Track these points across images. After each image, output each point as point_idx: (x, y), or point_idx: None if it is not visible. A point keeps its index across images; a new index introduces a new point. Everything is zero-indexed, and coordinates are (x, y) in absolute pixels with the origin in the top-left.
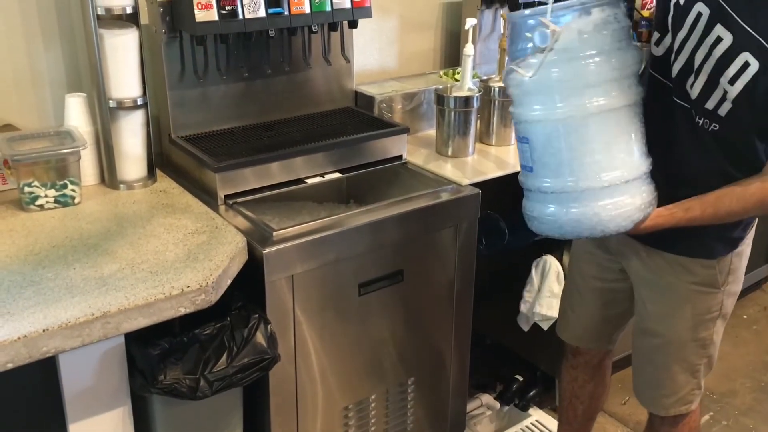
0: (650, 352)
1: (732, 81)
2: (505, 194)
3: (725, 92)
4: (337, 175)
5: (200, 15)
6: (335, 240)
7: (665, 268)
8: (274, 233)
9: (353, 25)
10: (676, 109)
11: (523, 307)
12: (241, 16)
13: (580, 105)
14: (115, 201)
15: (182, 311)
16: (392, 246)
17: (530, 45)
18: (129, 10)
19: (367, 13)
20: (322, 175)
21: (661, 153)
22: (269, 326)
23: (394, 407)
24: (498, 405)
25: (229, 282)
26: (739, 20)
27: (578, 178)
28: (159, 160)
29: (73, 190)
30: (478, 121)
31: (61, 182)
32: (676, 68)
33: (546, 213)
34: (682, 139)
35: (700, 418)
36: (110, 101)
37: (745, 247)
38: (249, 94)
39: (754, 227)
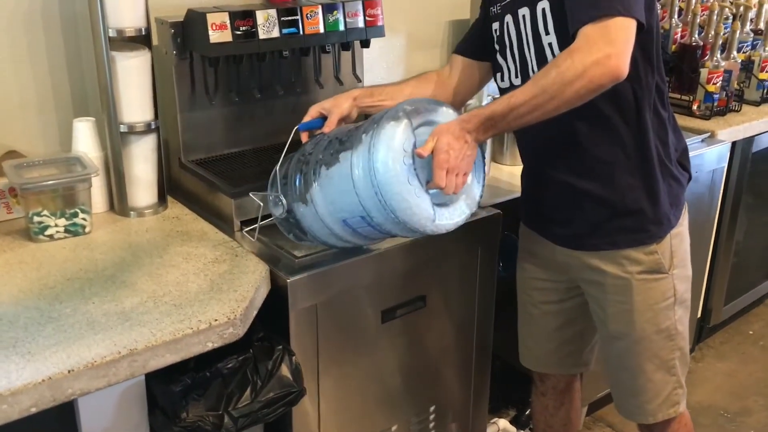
0: (620, 357)
1: (546, 32)
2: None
3: (550, 47)
4: None
5: (214, 36)
6: (358, 266)
7: (612, 265)
8: (296, 260)
9: (366, 44)
10: None
11: None
12: (255, 37)
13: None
14: (127, 229)
15: (210, 346)
16: (414, 271)
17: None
18: (142, 32)
19: (380, 32)
20: None
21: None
22: (294, 358)
23: None
24: (514, 430)
25: (254, 313)
26: None
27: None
28: (168, 185)
29: (84, 219)
30: (492, 141)
31: (71, 211)
32: (519, 79)
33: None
34: (551, 129)
35: (692, 424)
36: (121, 125)
37: (682, 229)
38: (260, 115)
39: (685, 208)
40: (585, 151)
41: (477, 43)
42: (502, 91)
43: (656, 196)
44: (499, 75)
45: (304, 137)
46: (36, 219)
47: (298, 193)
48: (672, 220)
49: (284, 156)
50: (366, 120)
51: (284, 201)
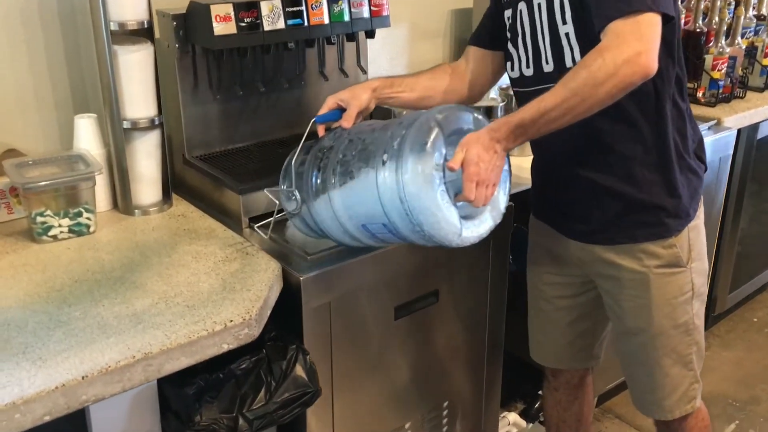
0: (637, 352)
1: (564, 21)
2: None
3: (567, 37)
4: None
5: (219, 28)
6: (371, 262)
7: (629, 259)
8: (309, 257)
9: (371, 34)
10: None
11: None
12: (260, 29)
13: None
14: (133, 228)
15: (225, 348)
16: (426, 266)
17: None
18: (144, 25)
19: (385, 22)
20: None
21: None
22: (308, 357)
23: None
24: (524, 423)
25: (269, 313)
26: None
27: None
28: (171, 181)
29: (88, 219)
30: None
31: (75, 210)
32: (530, 69)
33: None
34: (571, 125)
35: (708, 418)
36: (124, 122)
37: (699, 222)
38: (264, 109)
39: (701, 201)
40: (605, 147)
41: (490, 32)
42: (513, 81)
43: (675, 190)
44: (509, 64)
45: (320, 130)
46: (39, 219)
47: (314, 190)
48: (691, 213)
49: (300, 148)
50: (391, 121)
51: (298, 196)
